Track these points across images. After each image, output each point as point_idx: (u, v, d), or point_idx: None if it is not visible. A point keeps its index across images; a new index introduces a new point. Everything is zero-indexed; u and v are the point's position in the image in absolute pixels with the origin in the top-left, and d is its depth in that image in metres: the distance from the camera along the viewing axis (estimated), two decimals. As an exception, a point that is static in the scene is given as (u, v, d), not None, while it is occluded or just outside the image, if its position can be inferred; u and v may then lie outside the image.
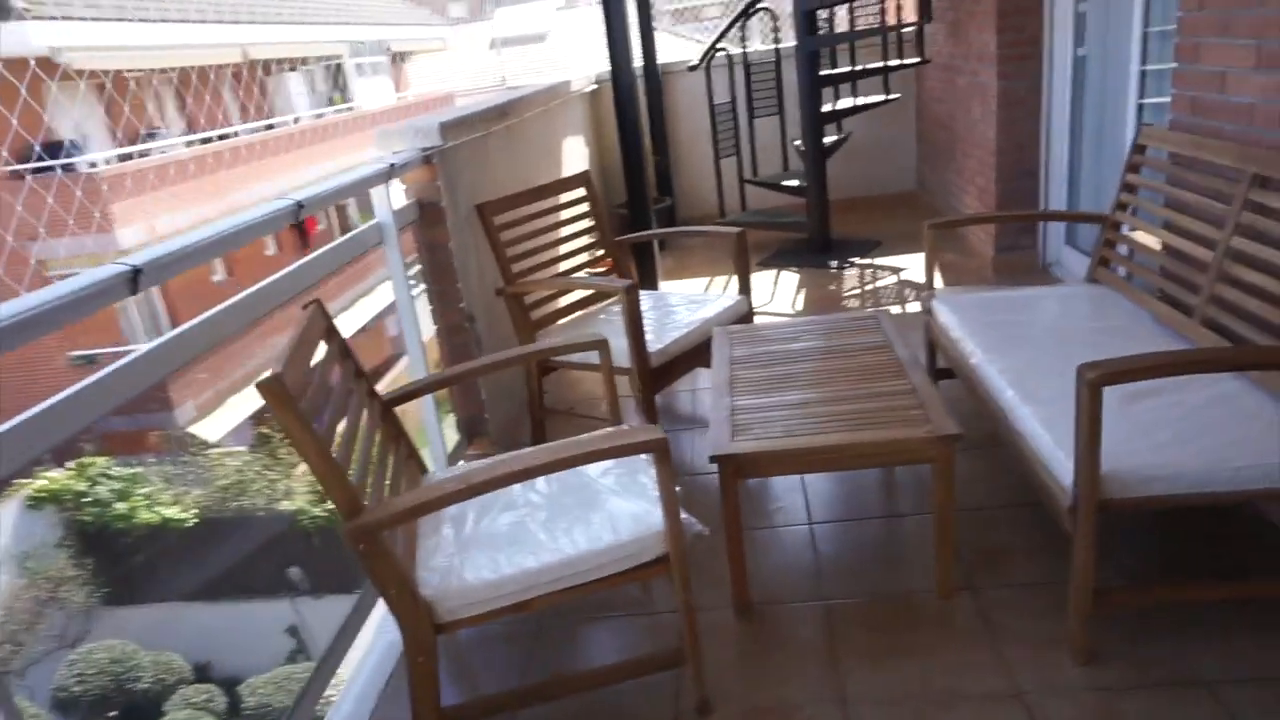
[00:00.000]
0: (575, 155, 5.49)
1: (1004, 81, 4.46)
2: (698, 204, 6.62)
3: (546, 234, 3.53)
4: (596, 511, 1.95)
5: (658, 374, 3.03)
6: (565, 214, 3.64)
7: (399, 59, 25.37)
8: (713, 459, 2.16)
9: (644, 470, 2.10)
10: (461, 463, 3.25)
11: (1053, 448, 2.02)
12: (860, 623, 2.20)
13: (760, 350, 2.80)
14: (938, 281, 4.74)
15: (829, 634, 2.17)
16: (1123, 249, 3.05)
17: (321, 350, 2.01)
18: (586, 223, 3.66)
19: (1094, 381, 1.75)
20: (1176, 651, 1.96)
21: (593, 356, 2.42)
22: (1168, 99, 3.41)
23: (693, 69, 5.76)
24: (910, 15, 5.25)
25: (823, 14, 5.38)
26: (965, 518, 2.54)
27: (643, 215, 4.77)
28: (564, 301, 3.53)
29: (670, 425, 3.51)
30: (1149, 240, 2.84)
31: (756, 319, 3.49)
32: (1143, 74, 3.58)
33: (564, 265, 3.59)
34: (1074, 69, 4.27)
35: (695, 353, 3.18)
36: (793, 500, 2.79)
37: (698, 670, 1.95)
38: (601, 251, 3.68)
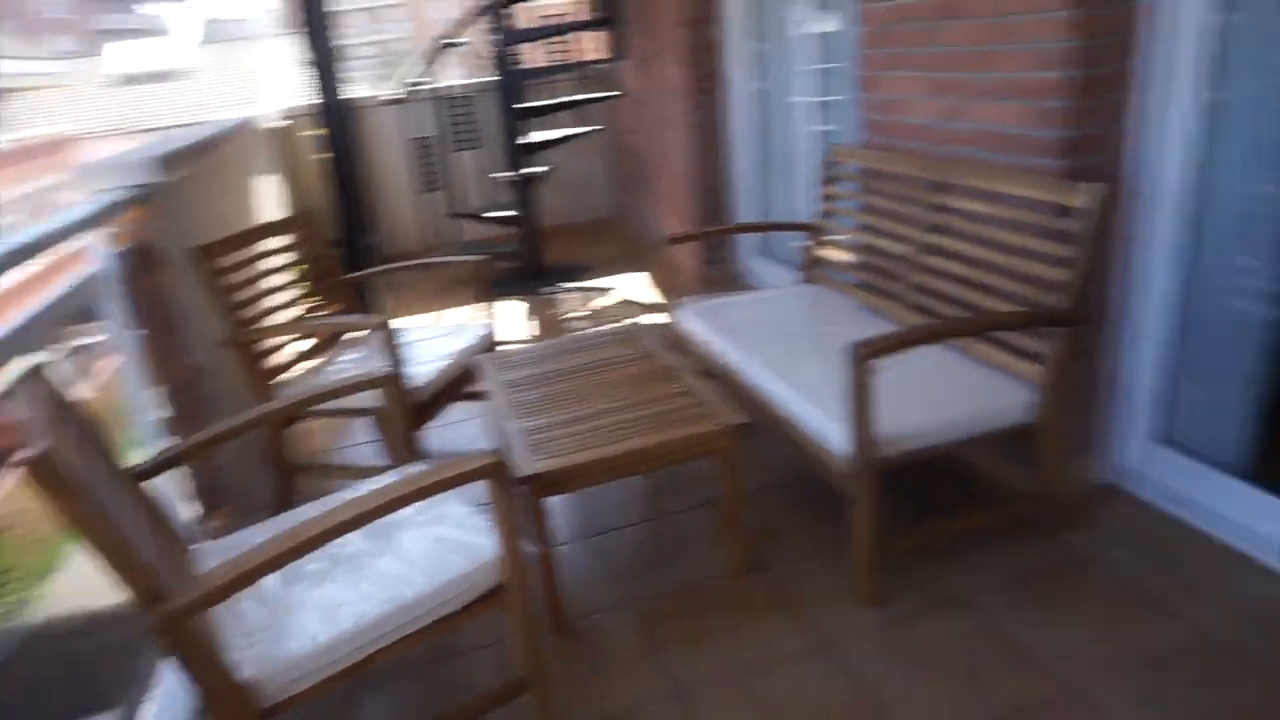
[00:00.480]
0: (273, 193, 5.11)
1: (694, 112, 4.88)
2: (401, 240, 6.46)
3: (268, 278, 3.26)
4: (419, 550, 1.86)
5: (421, 410, 2.92)
6: (282, 257, 3.39)
7: (-1, 97, 21.81)
8: (520, 480, 2.15)
9: (447, 503, 2.04)
10: (241, 532, 2.88)
11: (824, 422, 2.26)
12: (670, 616, 2.30)
13: (530, 373, 2.81)
14: (653, 297, 5.06)
15: (646, 633, 2.24)
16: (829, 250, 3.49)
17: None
18: (307, 264, 3.43)
19: (864, 356, 2.00)
20: (938, 579, 2.29)
21: (347, 402, 2.29)
22: (835, 127, 3.98)
23: (392, 103, 5.62)
24: (603, 51, 5.56)
25: (519, 49, 5.52)
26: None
27: (361, 253, 4.56)
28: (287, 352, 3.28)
29: (434, 463, 3.38)
30: (851, 241, 3.27)
31: (498, 347, 3.50)
32: (815, 104, 4.13)
33: (285, 313, 3.33)
34: (754, 100, 4.80)
35: (454, 385, 3.12)
36: (570, 517, 2.84)
37: (546, 696, 1.92)
38: (321, 294, 3.46)
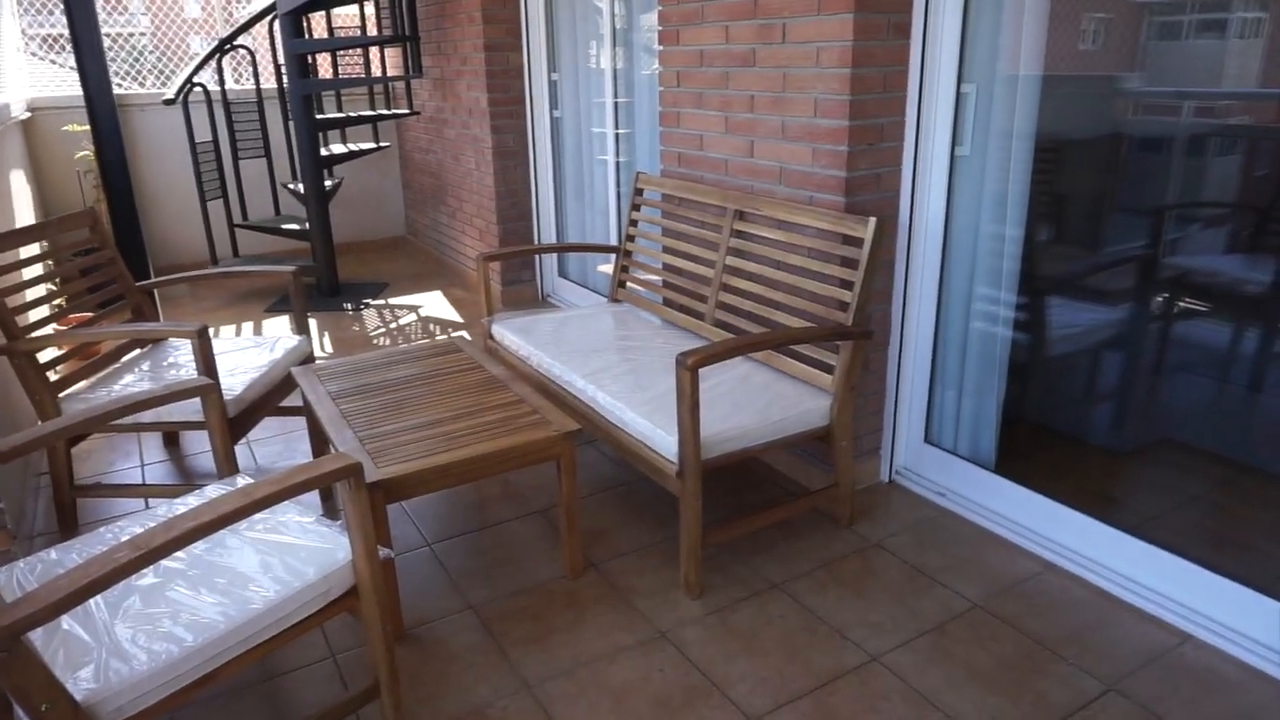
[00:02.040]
0: (23, 197, 4.61)
1: (497, 135, 4.99)
2: (178, 250, 6.01)
3: (49, 280, 2.99)
4: (265, 559, 1.83)
5: (236, 424, 2.80)
6: (60, 260, 3.12)
7: None
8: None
9: (285, 511, 2.01)
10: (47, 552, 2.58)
11: (650, 429, 2.45)
12: (512, 618, 2.38)
13: (357, 383, 2.79)
14: (455, 315, 5.08)
15: (490, 635, 2.31)
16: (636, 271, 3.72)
17: None
18: (100, 268, 3.18)
19: (692, 364, 2.21)
20: (754, 570, 2.54)
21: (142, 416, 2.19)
22: (629, 159, 4.25)
23: (169, 102, 5.25)
24: (399, 68, 5.53)
25: (311, 58, 5.36)
26: (566, 510, 2.87)
27: (140, 260, 4.23)
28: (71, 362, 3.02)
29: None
30: (657, 262, 3.52)
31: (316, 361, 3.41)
32: (615, 137, 4.38)
33: (65, 317, 3.07)
34: (553, 127, 4.98)
35: (268, 398, 3.02)
36: (407, 525, 2.84)
37: (398, 698, 1.94)
38: (120, 299, 3.22)
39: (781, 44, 2.76)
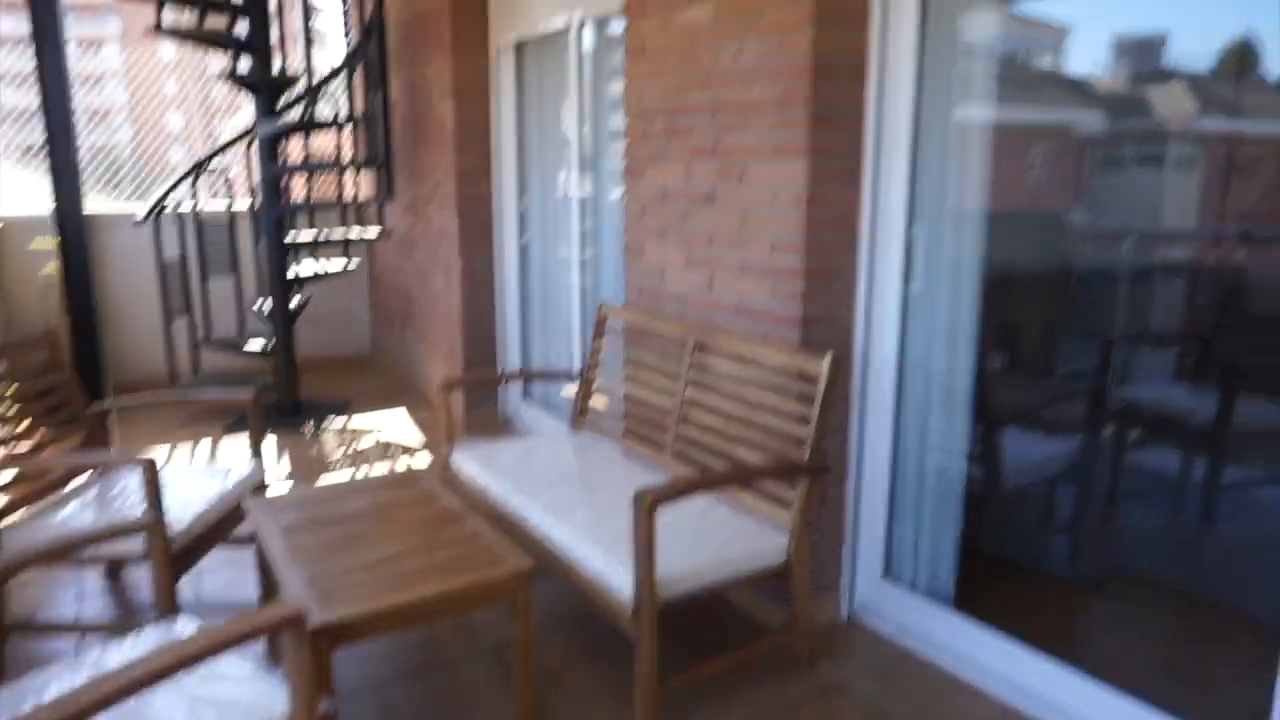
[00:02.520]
0: (-18, 311, 4.58)
1: (466, 259, 5.08)
2: (138, 368, 5.95)
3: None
4: (197, 711, 1.73)
5: (178, 559, 2.71)
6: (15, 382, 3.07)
7: None
8: (310, 632, 2.07)
9: (224, 658, 1.93)
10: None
11: (606, 566, 2.40)
12: (457, 770, 2.26)
13: (309, 516, 2.72)
14: (418, 436, 5.04)
15: (432, 789, 2.19)
16: (597, 400, 3.73)
17: None
18: (52, 392, 3.13)
19: (650, 504, 2.19)
20: (712, 713, 2.45)
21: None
22: (596, 282, 4.33)
23: (140, 223, 5.30)
24: (371, 191, 5.65)
25: (286, 180, 5.47)
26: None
27: (97, 380, 4.18)
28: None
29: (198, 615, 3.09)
30: (619, 392, 3.53)
31: (267, 489, 3.34)
32: (581, 261, 4.48)
33: (13, 441, 3.00)
34: (520, 253, 5.09)
35: (217, 529, 2.93)
36: (352, 669, 2.72)
37: None
38: (57, 424, 3.16)
39: (740, 185, 2.87)
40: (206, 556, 3.27)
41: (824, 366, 2.56)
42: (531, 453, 3.37)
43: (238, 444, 4.88)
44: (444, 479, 3.39)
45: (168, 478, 3.19)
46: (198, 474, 3.18)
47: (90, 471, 3.17)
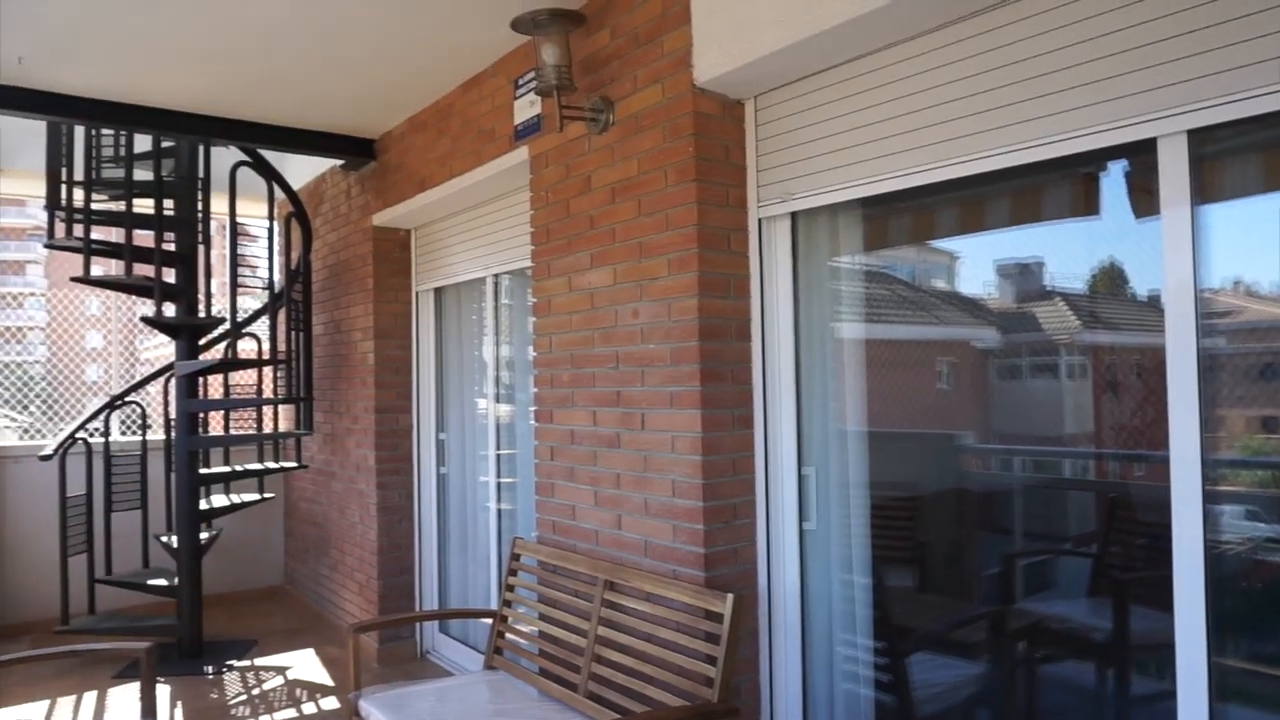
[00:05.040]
0: None
1: (383, 491, 5.12)
2: (30, 608, 5.64)
3: None
4: None
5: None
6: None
7: None
8: None
9: None
10: None
11: (513, 829, 2.34)
12: None
13: (196, 783, 2.60)
14: (327, 678, 4.83)
15: None
16: (511, 637, 3.71)
17: None
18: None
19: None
20: None
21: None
22: (514, 506, 4.41)
23: (46, 458, 5.22)
24: (290, 424, 5.72)
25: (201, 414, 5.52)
26: None
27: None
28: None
29: None
30: (532, 630, 3.53)
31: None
32: (496, 484, 4.58)
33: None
34: (439, 483, 5.16)
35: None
36: None
37: None
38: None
39: (641, 430, 3.08)
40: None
41: (728, 606, 2.66)
42: (444, 697, 3.30)
43: (128, 694, 4.59)
44: (349, 729, 3.27)
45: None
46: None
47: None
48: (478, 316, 4.78)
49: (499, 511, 4.58)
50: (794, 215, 2.95)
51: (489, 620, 3.78)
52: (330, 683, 4.77)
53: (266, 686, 4.73)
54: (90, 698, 4.57)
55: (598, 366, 3.28)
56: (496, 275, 4.55)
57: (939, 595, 3.44)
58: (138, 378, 6.04)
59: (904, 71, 2.53)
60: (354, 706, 3.30)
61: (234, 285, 4.97)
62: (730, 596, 2.66)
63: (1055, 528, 3.06)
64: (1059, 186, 2.45)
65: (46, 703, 4.48)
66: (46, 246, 4.97)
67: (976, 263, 2.86)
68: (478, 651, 4.65)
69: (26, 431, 7.80)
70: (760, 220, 3.00)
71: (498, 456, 4.60)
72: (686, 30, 2.93)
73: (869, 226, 2.86)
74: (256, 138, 4.82)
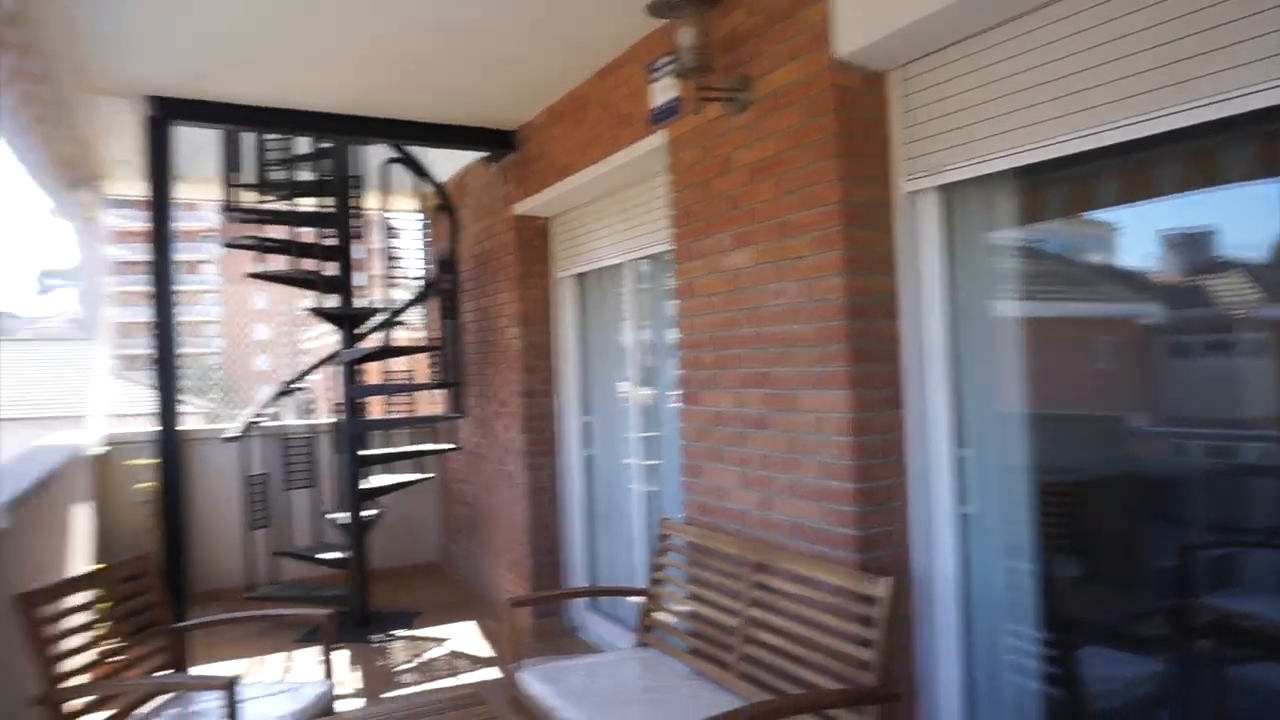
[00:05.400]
0: (82, 525, 4.90)
1: (531, 473, 5.30)
2: (217, 576, 6.18)
3: (95, 627, 3.13)
4: None
5: (253, 786, 2.78)
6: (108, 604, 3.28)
7: None
8: None
9: None
10: None
11: (672, 802, 2.40)
12: None
13: (376, 744, 2.79)
14: (486, 649, 5.07)
15: None
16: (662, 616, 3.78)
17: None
18: (144, 611, 3.33)
19: (712, 739, 2.23)
20: None
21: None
22: (659, 488, 4.47)
23: (230, 440, 5.70)
24: (443, 408, 6.01)
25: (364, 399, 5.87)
26: None
27: (181, 596, 4.38)
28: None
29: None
30: (682, 609, 3.59)
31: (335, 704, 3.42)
32: (642, 465, 4.66)
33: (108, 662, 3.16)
34: (585, 465, 5.30)
35: (288, 755, 3.00)
36: None
37: None
38: (158, 643, 3.34)
39: (789, 411, 3.06)
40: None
41: (883, 589, 2.62)
42: (597, 672, 3.40)
43: (308, 657, 4.97)
44: (511, 695, 3.43)
45: (243, 695, 3.30)
46: (272, 693, 3.28)
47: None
48: (618, 301, 4.86)
49: (644, 493, 4.66)
50: (943, 189, 2.85)
51: (636, 599, 3.86)
52: (487, 654, 5.01)
53: (428, 656, 5.01)
54: (278, 658, 4.97)
55: (742, 348, 3.27)
56: (635, 260, 4.60)
57: (1111, 586, 3.24)
58: (300, 366, 6.48)
59: (1061, 31, 2.39)
60: (513, 677, 3.45)
61: (388, 276, 5.24)
62: (886, 580, 2.61)
63: (1237, 517, 2.83)
64: (1237, 147, 2.25)
65: (245, 661, 4.90)
66: (226, 246, 5.40)
67: (1141, 233, 2.68)
68: (625, 629, 4.76)
69: (206, 416, 8.53)
70: (907, 194, 2.91)
71: (642, 439, 4.68)
72: (824, 3, 2.86)
73: (1024, 198, 2.72)
74: (405, 135, 5.05)
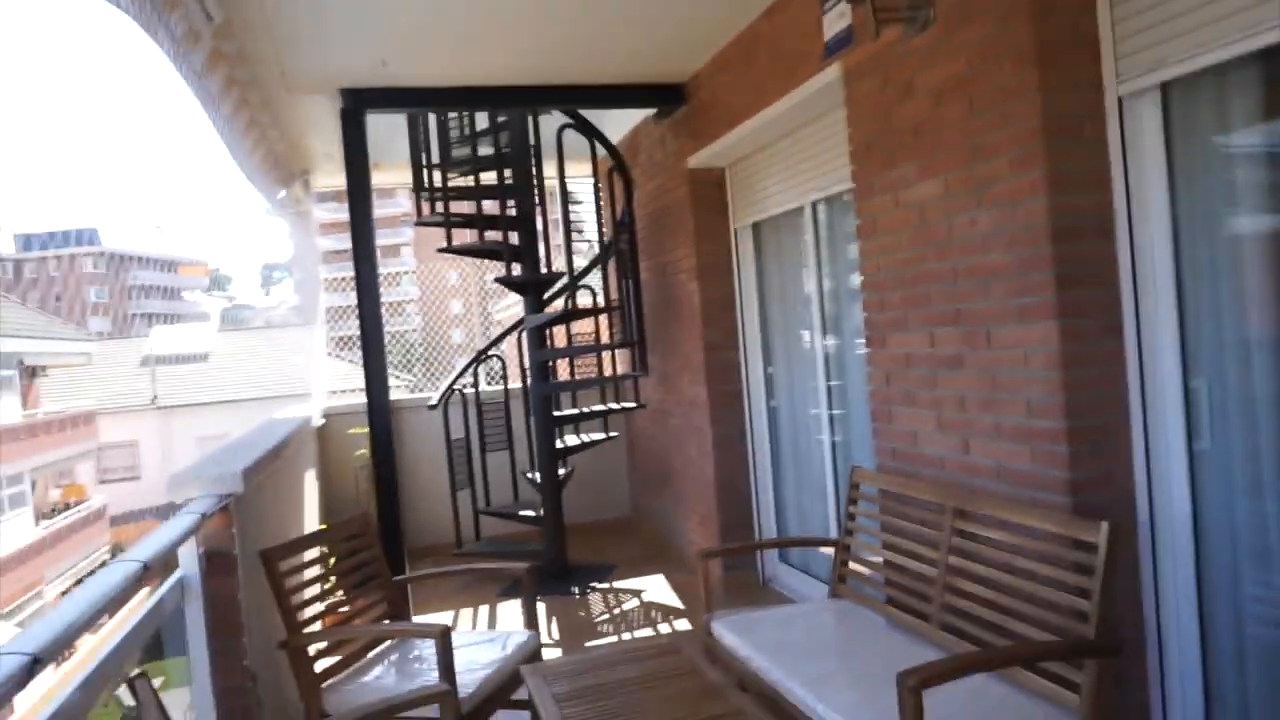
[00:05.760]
0: (311, 490, 5.38)
1: (716, 426, 5.29)
2: (427, 534, 6.63)
3: (325, 580, 3.42)
4: None
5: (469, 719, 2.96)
6: (337, 559, 3.58)
7: (33, 373, 22.98)
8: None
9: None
10: None
11: (876, 752, 2.32)
12: None
13: (578, 685, 2.88)
14: (677, 601, 5.14)
15: None
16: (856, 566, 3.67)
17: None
18: (366, 566, 3.61)
19: (914, 687, 2.13)
20: None
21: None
22: (844, 438, 4.32)
23: (432, 407, 6.07)
24: (627, 367, 6.11)
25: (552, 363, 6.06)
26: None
27: (398, 547, 4.73)
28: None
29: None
30: (877, 559, 3.46)
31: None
32: (830, 418, 4.52)
33: (338, 611, 3.46)
34: (769, 416, 5.22)
35: (499, 693, 3.17)
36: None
37: None
38: (369, 594, 3.61)
39: (987, 348, 2.85)
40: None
41: (1101, 535, 2.39)
42: (791, 623, 3.36)
43: (511, 609, 5.24)
44: (706, 645, 3.45)
45: (455, 643, 3.52)
46: (480, 641, 3.48)
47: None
48: (797, 248, 4.72)
49: (832, 443, 4.53)
50: (1165, 87, 2.52)
51: (828, 550, 3.77)
52: (680, 605, 5.08)
53: (625, 607, 5.15)
54: (484, 610, 5.28)
55: (932, 284, 3.08)
56: (814, 203, 4.44)
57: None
58: (492, 336, 6.77)
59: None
60: (707, 627, 3.47)
61: (569, 241, 5.35)
62: (1104, 525, 2.38)
63: None
64: None
65: (450, 613, 5.25)
66: (417, 224, 5.71)
67: None
68: (818, 580, 4.68)
69: (411, 389, 9.13)
70: (1121, 99, 2.60)
71: (827, 388, 4.54)
72: (1015, -107, 2.59)
73: (1264, 91, 2.35)
74: (576, 99, 5.13)
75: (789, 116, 4.22)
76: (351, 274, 4.93)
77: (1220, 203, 2.48)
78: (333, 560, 3.61)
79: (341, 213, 5.44)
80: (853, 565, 3.58)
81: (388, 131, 5.56)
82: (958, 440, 3.03)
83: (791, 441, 5.05)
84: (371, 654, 3.40)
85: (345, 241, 4.92)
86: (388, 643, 3.52)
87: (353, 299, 4.92)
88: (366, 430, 5.10)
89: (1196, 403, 2.55)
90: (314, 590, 3.33)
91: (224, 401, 28.16)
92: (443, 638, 2.87)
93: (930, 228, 3.07)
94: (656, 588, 5.46)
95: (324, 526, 3.55)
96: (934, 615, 3.02)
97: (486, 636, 3.55)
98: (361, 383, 4.96)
